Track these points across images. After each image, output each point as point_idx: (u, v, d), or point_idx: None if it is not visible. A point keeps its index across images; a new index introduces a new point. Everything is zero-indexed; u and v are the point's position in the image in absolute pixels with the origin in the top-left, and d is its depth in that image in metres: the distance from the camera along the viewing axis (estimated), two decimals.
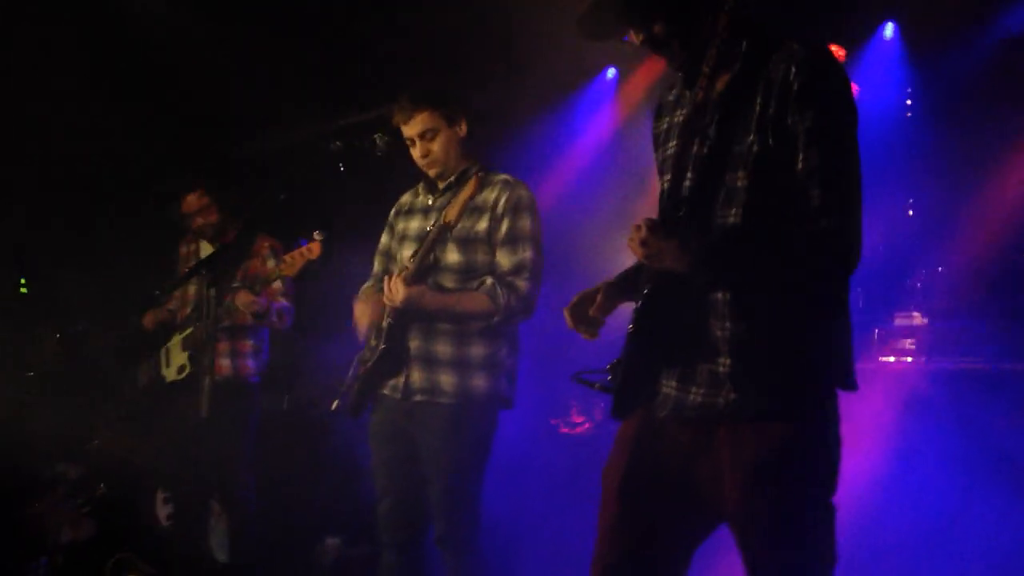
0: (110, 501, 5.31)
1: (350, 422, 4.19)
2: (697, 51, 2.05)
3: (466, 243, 3.13)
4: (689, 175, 2.03)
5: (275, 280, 4.19)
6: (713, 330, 1.99)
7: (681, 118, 2.15)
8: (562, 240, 3.74)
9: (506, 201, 3.14)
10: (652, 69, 6.74)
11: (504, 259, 3.14)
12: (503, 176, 3.23)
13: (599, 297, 2.18)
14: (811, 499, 1.95)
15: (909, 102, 6.01)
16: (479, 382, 3.12)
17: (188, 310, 4.61)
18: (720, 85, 2.05)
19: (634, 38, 2.11)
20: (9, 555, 4.73)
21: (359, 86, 5.89)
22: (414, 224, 3.31)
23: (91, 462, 5.38)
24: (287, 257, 4.06)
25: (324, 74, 5.78)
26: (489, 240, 3.15)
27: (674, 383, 2.06)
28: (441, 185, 3.27)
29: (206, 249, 4.65)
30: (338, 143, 3.03)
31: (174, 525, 5.15)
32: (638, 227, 1.95)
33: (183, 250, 4.81)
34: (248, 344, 4.57)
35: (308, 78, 5.72)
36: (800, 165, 1.93)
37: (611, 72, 7.11)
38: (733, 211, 1.97)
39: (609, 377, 2.15)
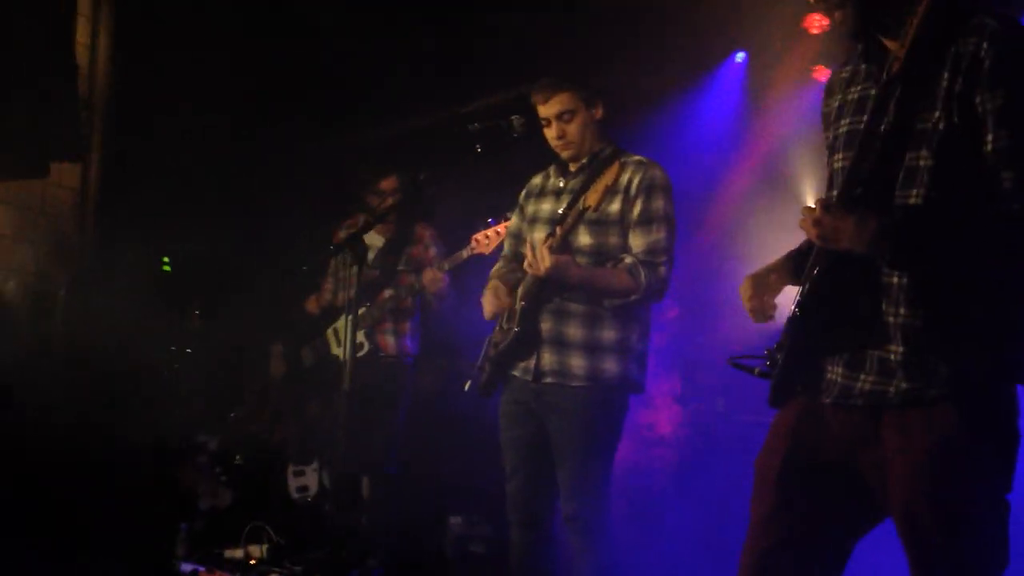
0: (246, 472, 5.56)
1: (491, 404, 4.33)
2: (878, 22, 2.00)
3: (598, 225, 3.13)
4: (867, 154, 1.97)
5: (465, 258, 4.35)
6: (885, 316, 1.94)
7: (856, 95, 2.10)
8: (686, 227, 3.70)
9: (640, 182, 3.13)
10: (782, 56, 6.62)
11: (637, 240, 3.13)
12: (637, 157, 3.22)
13: (773, 279, 2.16)
14: (982, 490, 1.89)
15: None
16: (610, 366, 3.13)
17: (352, 292, 4.82)
18: (901, 59, 1.98)
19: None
20: (157, 518, 4.99)
21: (485, 71, 5.95)
22: (546, 206, 3.33)
23: (229, 435, 5.64)
24: (480, 236, 4.20)
25: (451, 58, 5.85)
26: (621, 221, 3.14)
27: (840, 369, 2.02)
28: (573, 167, 3.28)
29: (369, 235, 4.86)
30: (476, 125, 3.07)
31: (321, 498, 5.39)
32: (810, 207, 1.92)
33: (340, 234, 5.02)
34: (407, 325, 4.80)
35: (436, 63, 5.80)
36: (989, 146, 1.86)
37: (740, 56, 6.99)
38: (915, 191, 1.91)
39: (767, 363, 2.14)
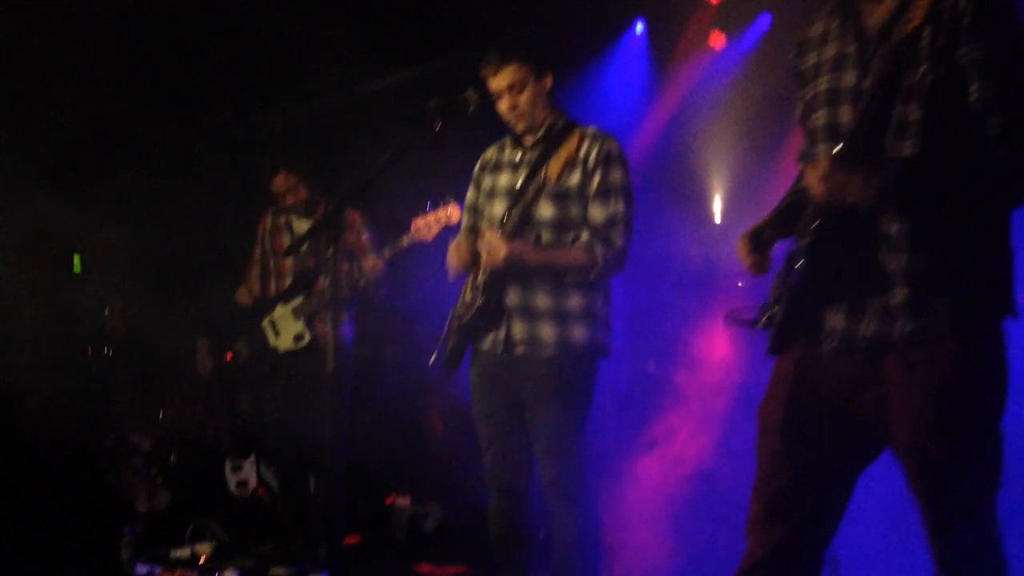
0: (182, 471, 5.45)
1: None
2: None
3: (559, 198, 3.18)
4: (853, 108, 2.08)
5: (405, 245, 4.32)
6: (887, 263, 2.05)
7: (833, 52, 2.19)
8: None
9: (597, 153, 3.18)
10: (685, 22, 6.79)
11: (597, 212, 3.19)
12: (592, 128, 3.27)
13: (768, 234, 2.26)
14: (983, 418, 2.02)
15: None
16: (578, 332, 3.19)
17: (286, 281, 4.77)
18: (880, 16, 2.09)
19: None
20: (96, 523, 4.86)
21: (387, 45, 5.90)
22: (503, 179, 3.35)
23: (162, 433, 5.51)
24: (420, 223, 4.19)
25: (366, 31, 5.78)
26: (581, 194, 3.19)
27: (841, 316, 2.12)
28: (529, 140, 3.33)
29: (297, 223, 4.80)
30: (435, 100, 3.05)
31: (260, 492, 5.33)
32: (814, 165, 2.01)
33: (267, 221, 4.94)
34: (344, 313, 4.77)
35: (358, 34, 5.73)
36: (973, 96, 1.97)
37: (640, 27, 7.14)
38: (907, 143, 2.01)
39: (766, 316, 2.24)
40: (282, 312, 4.78)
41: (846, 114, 2.13)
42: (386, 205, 5.11)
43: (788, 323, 2.20)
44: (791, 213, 2.31)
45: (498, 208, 3.31)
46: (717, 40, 6.93)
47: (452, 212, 4.16)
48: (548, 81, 3.27)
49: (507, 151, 3.40)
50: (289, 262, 4.81)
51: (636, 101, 6.98)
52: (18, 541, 4.63)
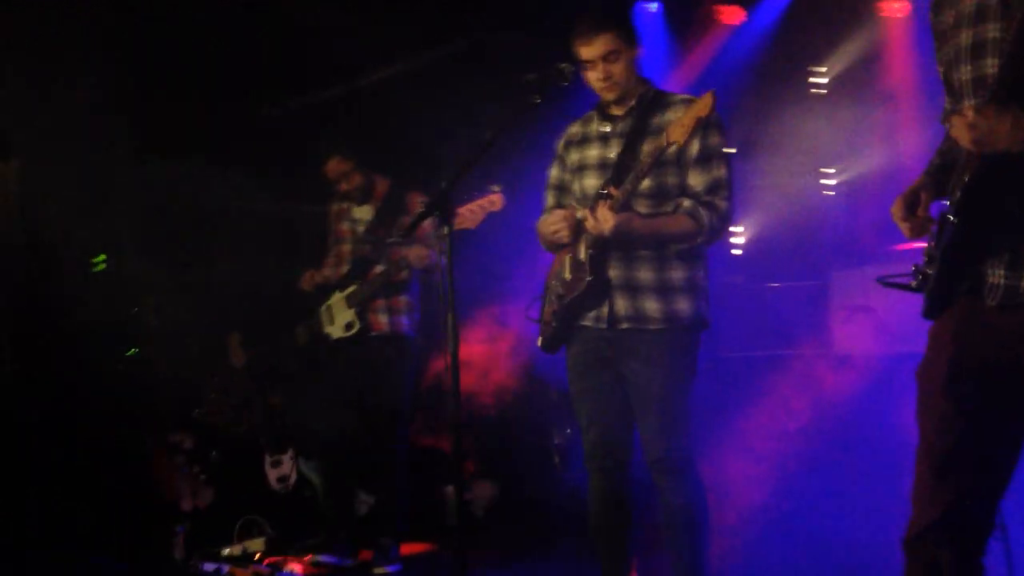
0: (223, 467, 5.34)
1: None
2: None
3: (656, 166, 3.11)
4: (1009, 58, 2.03)
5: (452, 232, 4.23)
6: None
7: (972, 7, 2.15)
8: None
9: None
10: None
11: (697, 179, 3.13)
12: (682, 95, 3.22)
13: (924, 196, 2.22)
14: None
15: None
16: (683, 305, 3.15)
17: (345, 268, 4.68)
18: None
19: None
20: (143, 523, 4.76)
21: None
22: (592, 152, 3.29)
23: (201, 431, 5.39)
24: (465, 211, 4.11)
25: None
26: (679, 161, 3.13)
27: (1002, 271, 2.09)
28: (618, 111, 3.26)
29: (356, 210, 4.70)
30: (532, 76, 2.99)
31: (300, 486, 5.23)
32: (960, 114, 1.97)
33: (334, 208, 4.85)
34: (403, 300, 4.67)
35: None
36: None
37: (654, 5, 7.09)
38: None
39: (920, 277, 2.21)
40: (337, 299, 4.70)
41: (992, 66, 2.10)
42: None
43: (944, 283, 2.16)
44: (942, 173, 2.27)
45: (591, 181, 3.25)
46: (734, 16, 6.92)
47: (495, 199, 4.08)
48: (638, 51, 3.22)
49: (594, 124, 3.33)
50: (348, 248, 4.74)
51: (656, 79, 6.95)
52: (69, 541, 4.52)
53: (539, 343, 3.36)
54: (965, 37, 2.17)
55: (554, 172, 3.45)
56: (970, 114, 1.96)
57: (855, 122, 6.02)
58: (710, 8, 6.96)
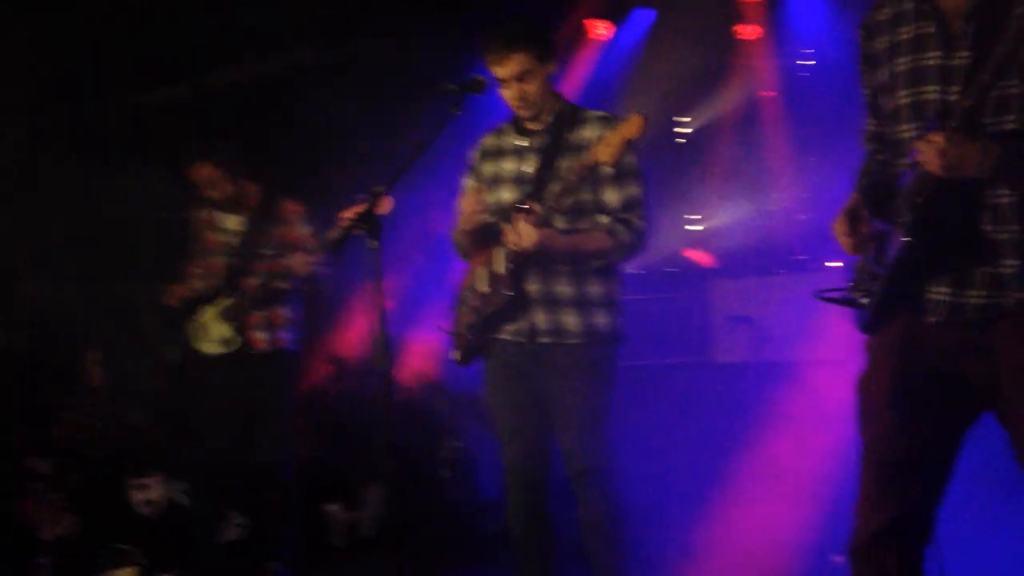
0: (85, 493, 5.00)
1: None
2: None
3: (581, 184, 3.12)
4: (949, 87, 2.15)
5: (337, 239, 4.08)
6: (995, 234, 2.14)
7: (911, 34, 2.26)
8: None
9: (598, 139, 3.12)
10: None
11: (613, 196, 3.16)
12: (598, 112, 3.24)
13: (864, 214, 2.30)
14: None
15: None
16: (601, 319, 3.17)
17: (215, 281, 4.43)
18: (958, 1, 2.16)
19: None
20: (8, 555, 4.39)
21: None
22: (508, 166, 3.27)
23: (60, 454, 5.02)
24: (348, 215, 3.98)
25: None
26: (593, 178, 3.14)
27: (945, 289, 2.19)
28: (534, 126, 3.26)
29: (225, 218, 4.47)
30: (451, 85, 2.93)
31: (171, 509, 4.95)
32: (929, 140, 2.06)
33: (200, 216, 4.58)
34: (283, 314, 4.46)
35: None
36: None
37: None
38: (1011, 118, 2.11)
39: (861, 293, 2.30)
40: (210, 314, 4.44)
41: (932, 92, 2.21)
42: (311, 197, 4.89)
43: (890, 298, 2.26)
44: (875, 192, 2.36)
45: (506, 195, 3.23)
46: (600, 31, 7.07)
47: (385, 204, 4.01)
48: (552, 66, 3.21)
49: (509, 137, 3.31)
50: (218, 260, 4.46)
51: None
52: None
53: (455, 356, 3.31)
54: (903, 63, 2.28)
55: (469, 182, 3.41)
56: (941, 141, 2.05)
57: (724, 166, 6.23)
58: (579, 22, 7.09)
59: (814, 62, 6.25)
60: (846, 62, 5.73)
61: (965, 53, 2.16)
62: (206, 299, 4.44)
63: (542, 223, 3.04)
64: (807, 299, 4.64)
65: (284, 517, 4.44)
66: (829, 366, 4.60)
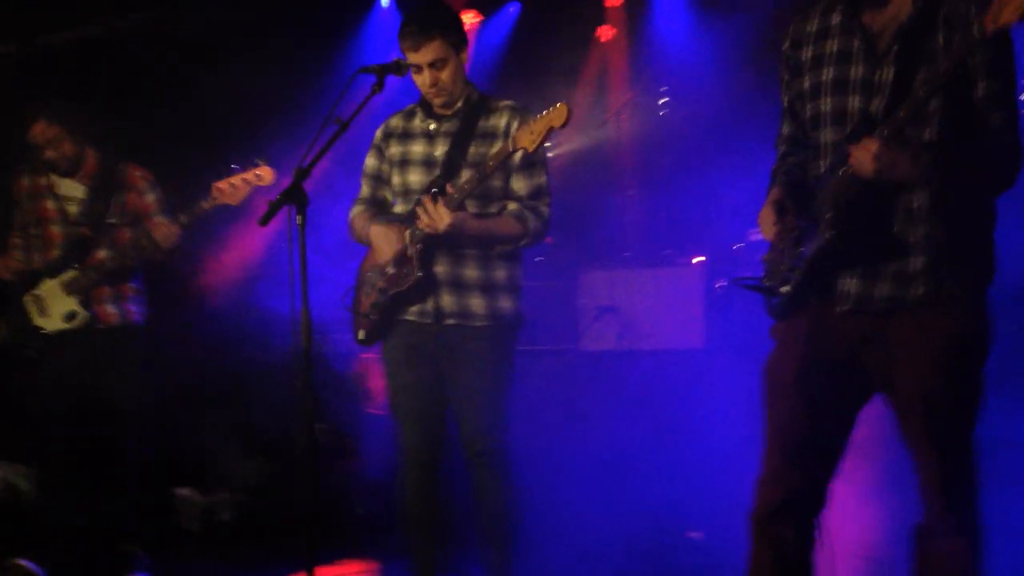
0: None
1: None
2: None
3: (497, 170, 3.14)
4: (871, 99, 2.34)
5: (207, 209, 3.93)
6: (905, 235, 2.33)
7: (836, 47, 2.44)
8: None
9: (517, 127, 3.21)
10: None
11: (520, 184, 3.23)
12: (508, 101, 3.30)
13: (790, 207, 2.46)
14: (980, 367, 2.37)
15: None
16: (506, 303, 3.23)
17: (55, 252, 4.13)
18: (893, 18, 2.35)
19: None
20: None
21: None
22: (417, 148, 3.28)
23: None
24: (223, 185, 3.85)
25: None
26: (503, 165, 3.20)
27: (855, 281, 2.38)
28: (443, 111, 3.27)
29: (62, 184, 4.19)
30: (372, 66, 2.91)
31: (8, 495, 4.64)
32: (863, 146, 2.23)
33: (24, 182, 4.25)
34: (130, 287, 4.23)
35: None
36: (980, 92, 2.30)
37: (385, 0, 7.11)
38: (927, 130, 2.31)
39: (779, 282, 2.46)
40: (50, 287, 4.13)
41: (854, 101, 2.40)
42: (177, 165, 4.70)
43: (804, 288, 2.44)
44: (798, 191, 2.53)
45: (415, 177, 3.24)
46: (469, 17, 7.09)
47: (264, 173, 3.91)
48: (465, 55, 3.26)
49: (417, 120, 3.32)
50: (57, 230, 4.17)
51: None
52: None
53: (358, 336, 3.29)
54: (826, 73, 2.45)
55: (371, 162, 3.39)
56: (875, 147, 2.22)
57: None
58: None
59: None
60: (705, 66, 6.07)
61: (890, 69, 2.35)
62: (46, 272, 4.16)
63: (456, 206, 3.07)
64: (671, 291, 4.92)
65: (135, 500, 4.24)
66: (690, 355, 4.83)
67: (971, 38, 2.14)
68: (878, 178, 2.27)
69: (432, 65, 3.15)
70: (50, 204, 4.19)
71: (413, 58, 3.15)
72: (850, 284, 2.40)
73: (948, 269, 2.34)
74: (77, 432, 4.20)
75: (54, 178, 4.20)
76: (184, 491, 5.05)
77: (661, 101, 6.09)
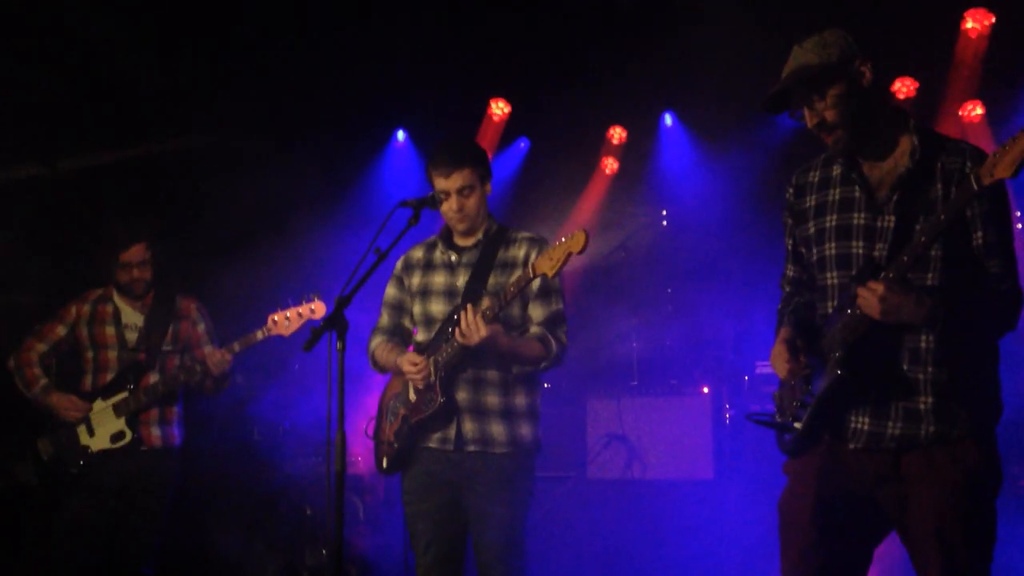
0: None
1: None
2: (861, 140, 2.52)
3: (517, 296, 3.21)
4: (873, 244, 2.48)
5: (260, 339, 4.18)
6: (914, 373, 2.44)
7: (838, 196, 2.59)
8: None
9: (536, 255, 3.28)
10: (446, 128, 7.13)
11: (538, 312, 3.33)
12: (526, 233, 3.44)
13: (801, 345, 2.56)
14: (992, 503, 2.44)
15: None
16: (525, 431, 3.29)
17: (108, 376, 4.25)
18: (891, 170, 2.52)
19: (807, 119, 2.53)
20: None
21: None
22: (438, 279, 3.40)
23: None
24: (279, 317, 4.06)
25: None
26: (521, 294, 3.31)
27: (866, 419, 2.47)
28: (466, 242, 3.41)
29: (124, 312, 4.36)
30: (411, 200, 3.13)
31: None
32: (869, 288, 2.35)
33: (84, 309, 4.37)
34: (175, 411, 4.36)
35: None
36: (978, 241, 2.45)
37: (401, 135, 7.41)
38: (930, 275, 2.44)
39: (790, 419, 2.54)
40: (100, 408, 4.25)
41: (856, 247, 2.54)
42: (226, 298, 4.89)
43: (816, 424, 2.52)
44: (805, 327, 2.64)
45: (437, 306, 3.35)
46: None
47: (316, 307, 4.16)
48: (488, 187, 3.41)
49: (438, 252, 3.45)
50: (114, 355, 4.31)
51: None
52: None
53: (382, 465, 3.34)
54: (830, 220, 2.60)
55: (392, 292, 3.51)
56: (881, 289, 2.34)
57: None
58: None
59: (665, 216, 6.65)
60: (709, 205, 6.28)
61: (891, 217, 2.50)
62: (97, 393, 4.27)
63: (491, 320, 3.15)
64: (678, 420, 4.98)
65: None
66: (696, 486, 4.86)
67: (968, 190, 2.28)
68: (884, 319, 2.38)
69: (460, 192, 3.30)
70: (110, 330, 4.34)
71: (442, 184, 3.31)
72: (861, 422, 2.48)
73: (957, 408, 2.43)
74: (99, 549, 4.21)
75: (120, 305, 4.36)
76: None
77: (663, 223, 6.29)
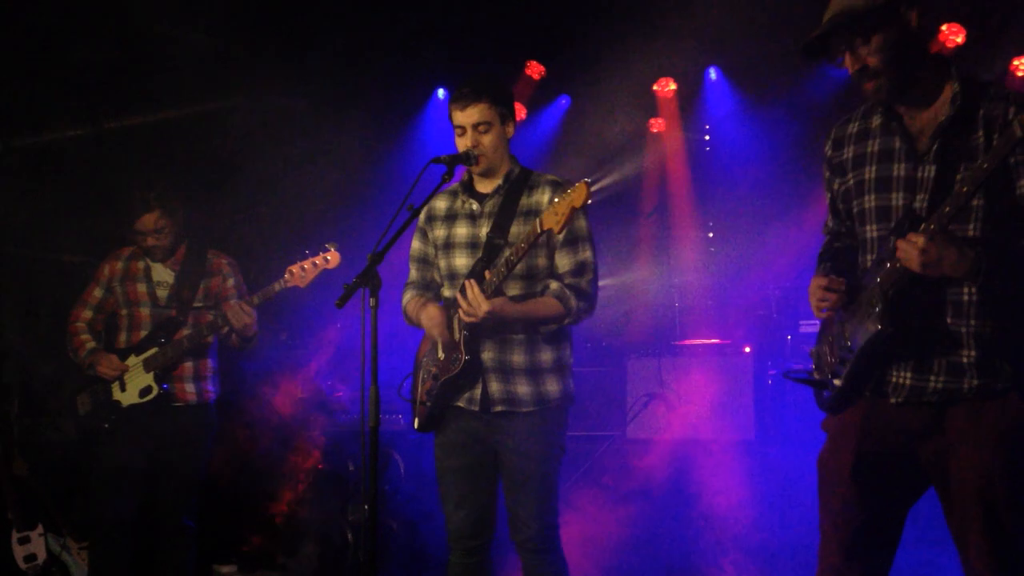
0: None
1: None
2: (903, 87, 2.42)
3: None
4: (914, 195, 2.39)
5: (277, 291, 4.16)
6: (956, 327, 2.35)
7: (878, 147, 2.49)
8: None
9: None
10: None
11: (564, 261, 3.23)
12: (550, 176, 3.32)
13: (841, 281, 2.49)
14: None
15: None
16: (552, 387, 3.23)
17: (142, 333, 4.29)
18: (932, 119, 2.41)
19: (848, 64, 2.43)
20: None
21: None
22: (461, 231, 3.31)
23: None
24: (296, 269, 4.05)
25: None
26: (547, 243, 3.23)
27: (908, 374, 2.39)
28: (485, 187, 3.31)
29: (155, 269, 4.37)
30: (444, 156, 3.09)
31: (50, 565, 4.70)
32: (910, 240, 2.26)
33: (117, 266, 4.41)
34: (209, 365, 4.38)
35: None
36: (1021, 190, 2.35)
37: (441, 92, 7.35)
38: (971, 226, 2.34)
39: (829, 375, 2.48)
40: (133, 363, 4.29)
41: (897, 198, 2.44)
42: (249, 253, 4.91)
43: (858, 380, 2.45)
44: (844, 270, 2.56)
45: (460, 260, 3.29)
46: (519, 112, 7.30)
47: (331, 257, 4.12)
48: (511, 128, 3.29)
49: (460, 201, 3.35)
50: (146, 312, 4.33)
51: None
52: None
53: (415, 424, 3.32)
54: (869, 172, 2.51)
55: (417, 245, 3.45)
56: (922, 242, 2.25)
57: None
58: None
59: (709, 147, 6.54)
60: (751, 153, 6.16)
61: (931, 167, 2.39)
62: (131, 350, 4.32)
63: (494, 292, 3.09)
64: (720, 380, 4.91)
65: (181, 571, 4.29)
66: (737, 446, 4.81)
67: (1012, 137, 2.17)
68: (925, 272, 2.29)
69: (476, 127, 3.20)
70: (142, 288, 4.36)
71: (459, 119, 3.22)
72: (903, 376, 2.41)
73: (1001, 361, 2.35)
74: (135, 501, 4.29)
75: (151, 262, 4.38)
76: (226, 568, 5.07)
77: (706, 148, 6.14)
